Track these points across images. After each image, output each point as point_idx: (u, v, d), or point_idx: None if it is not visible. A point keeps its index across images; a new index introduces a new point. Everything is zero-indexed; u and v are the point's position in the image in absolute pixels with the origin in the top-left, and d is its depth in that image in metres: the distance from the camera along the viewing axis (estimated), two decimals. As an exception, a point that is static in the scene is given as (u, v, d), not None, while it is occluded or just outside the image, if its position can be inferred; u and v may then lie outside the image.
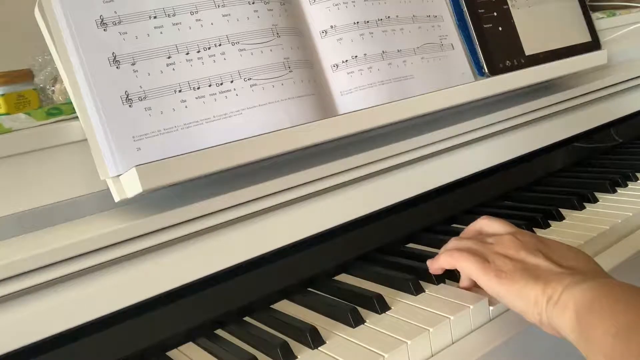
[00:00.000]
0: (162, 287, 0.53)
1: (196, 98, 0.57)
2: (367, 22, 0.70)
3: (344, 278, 0.68)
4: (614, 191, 0.83)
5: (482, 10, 0.81)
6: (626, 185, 0.85)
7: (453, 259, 0.56)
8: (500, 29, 0.82)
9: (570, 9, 0.92)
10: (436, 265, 0.58)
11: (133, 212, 0.54)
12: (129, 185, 0.51)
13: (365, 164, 0.66)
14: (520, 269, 0.51)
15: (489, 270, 0.52)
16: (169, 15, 0.57)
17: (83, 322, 0.49)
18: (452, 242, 0.60)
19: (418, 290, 0.61)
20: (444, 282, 0.62)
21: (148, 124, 0.54)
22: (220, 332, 0.59)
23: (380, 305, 0.58)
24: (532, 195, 0.87)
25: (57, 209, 0.55)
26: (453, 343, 0.54)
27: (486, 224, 0.61)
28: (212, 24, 0.59)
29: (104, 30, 0.54)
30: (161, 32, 0.56)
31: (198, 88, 0.57)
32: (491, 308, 0.56)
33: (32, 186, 0.53)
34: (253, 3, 0.61)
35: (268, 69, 0.61)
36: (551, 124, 0.87)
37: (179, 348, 0.57)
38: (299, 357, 0.52)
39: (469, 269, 0.54)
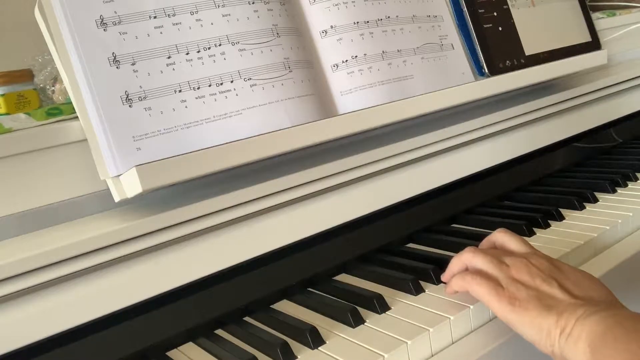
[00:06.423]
0: (162, 287, 0.53)
1: (196, 98, 0.57)
2: (367, 22, 0.70)
3: (344, 278, 0.68)
4: (614, 191, 0.83)
5: (482, 10, 0.81)
6: (626, 185, 0.85)
7: (465, 283, 0.55)
8: (500, 29, 0.82)
9: (570, 9, 0.92)
10: (449, 289, 0.57)
11: (133, 212, 0.54)
12: (129, 185, 0.51)
13: (366, 164, 0.66)
14: (534, 297, 0.50)
15: (502, 297, 0.51)
16: (169, 15, 0.57)
17: (83, 322, 0.49)
18: (466, 254, 0.58)
19: (418, 290, 0.61)
20: (444, 282, 0.62)
21: (148, 124, 0.54)
22: (220, 332, 0.59)
23: (380, 305, 0.58)
24: (532, 195, 0.86)
25: (57, 209, 0.55)
26: (453, 343, 0.54)
27: (504, 239, 0.59)
28: (212, 24, 0.59)
29: (104, 30, 0.54)
30: (161, 32, 0.56)
31: (198, 88, 0.57)
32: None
33: (32, 186, 0.53)
34: (253, 3, 0.61)
35: (268, 69, 0.61)
36: (551, 124, 0.87)
37: (179, 348, 0.57)
38: (299, 357, 0.52)
39: (481, 294, 0.53)
